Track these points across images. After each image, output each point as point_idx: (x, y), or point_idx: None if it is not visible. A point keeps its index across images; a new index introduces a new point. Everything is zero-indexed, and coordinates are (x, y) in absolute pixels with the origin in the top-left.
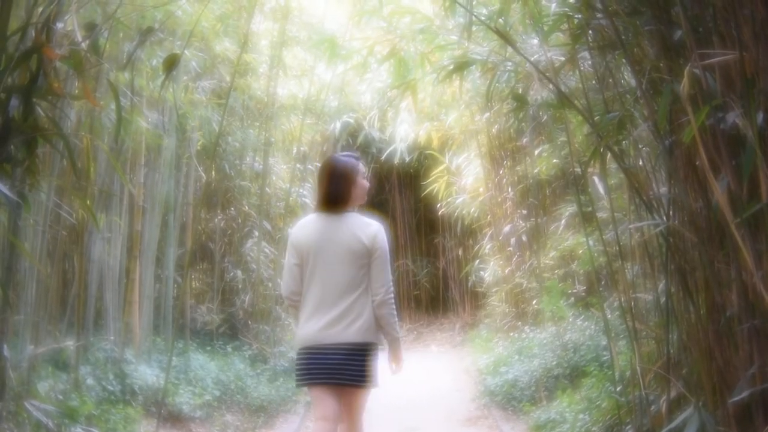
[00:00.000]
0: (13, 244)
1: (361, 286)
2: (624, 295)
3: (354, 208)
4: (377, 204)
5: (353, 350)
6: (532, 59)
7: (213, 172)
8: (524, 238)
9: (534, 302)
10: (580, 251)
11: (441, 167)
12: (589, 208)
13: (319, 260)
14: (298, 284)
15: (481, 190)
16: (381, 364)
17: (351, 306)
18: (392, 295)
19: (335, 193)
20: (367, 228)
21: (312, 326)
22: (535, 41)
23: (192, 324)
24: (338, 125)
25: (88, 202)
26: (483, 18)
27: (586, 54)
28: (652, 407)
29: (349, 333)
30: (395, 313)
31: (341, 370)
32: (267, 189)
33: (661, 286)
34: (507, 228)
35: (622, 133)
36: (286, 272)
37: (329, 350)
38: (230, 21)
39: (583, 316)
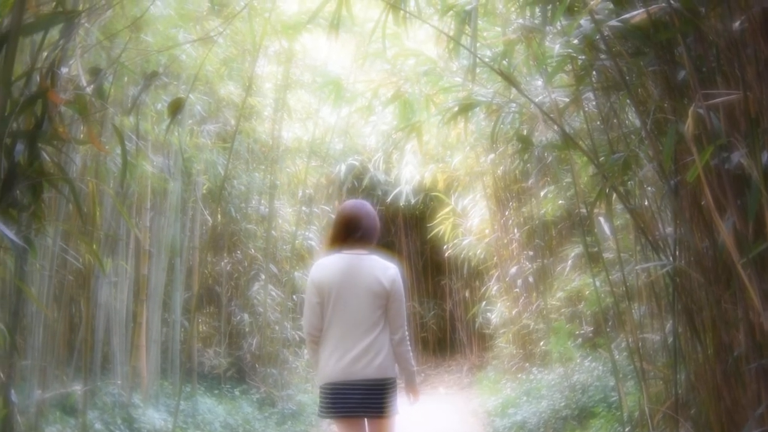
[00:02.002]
0: (20, 289)
1: (380, 324)
2: (631, 335)
3: (371, 249)
4: (384, 246)
5: (376, 385)
6: (536, 100)
7: (219, 216)
8: (531, 279)
9: (541, 343)
10: (587, 292)
11: (447, 209)
12: (596, 249)
13: (342, 300)
14: (320, 321)
15: (487, 231)
16: (399, 396)
17: (372, 344)
18: (407, 334)
19: (358, 235)
20: (387, 271)
21: (336, 363)
22: (540, 82)
23: (199, 368)
24: (343, 168)
25: (94, 246)
26: (487, 60)
27: (590, 95)
28: None
29: (371, 369)
30: (410, 349)
31: (365, 403)
32: (273, 232)
33: (669, 326)
34: (513, 269)
35: (628, 173)
36: (307, 310)
37: (353, 385)
38: (234, 64)
39: (590, 357)
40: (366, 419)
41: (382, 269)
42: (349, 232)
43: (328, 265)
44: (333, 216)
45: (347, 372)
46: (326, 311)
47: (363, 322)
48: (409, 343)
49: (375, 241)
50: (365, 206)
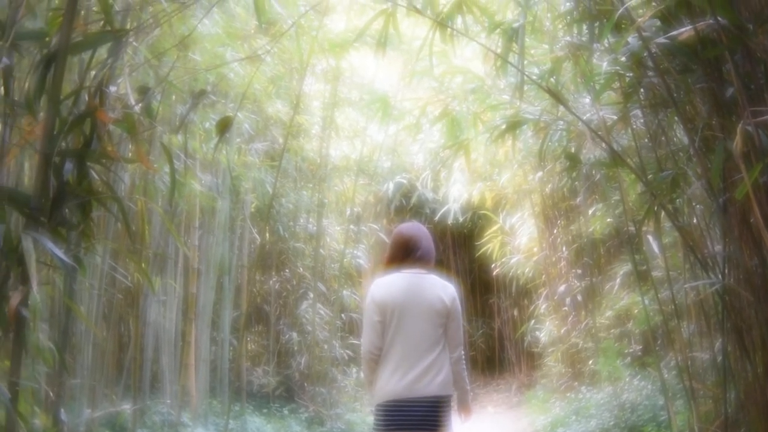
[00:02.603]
0: (69, 308)
1: (441, 342)
2: (680, 354)
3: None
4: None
5: (435, 402)
6: (584, 118)
7: (267, 234)
8: (579, 297)
9: (590, 362)
10: (636, 310)
11: (495, 227)
12: (644, 267)
13: (404, 318)
14: (381, 340)
15: (535, 249)
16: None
17: (434, 362)
18: (463, 352)
19: (417, 255)
20: (447, 289)
21: (397, 381)
22: (587, 100)
23: (248, 386)
24: (391, 186)
25: (143, 264)
26: (535, 77)
27: (638, 112)
28: None
29: (433, 387)
30: (465, 368)
31: (425, 420)
32: (321, 251)
33: (718, 344)
34: (562, 288)
35: (676, 191)
36: (368, 329)
37: (414, 403)
38: (282, 83)
39: (639, 376)
40: None
41: (443, 288)
42: (408, 252)
43: (390, 284)
44: (390, 236)
45: (410, 389)
46: (387, 330)
47: (425, 340)
48: (464, 361)
49: (433, 262)
50: (422, 227)
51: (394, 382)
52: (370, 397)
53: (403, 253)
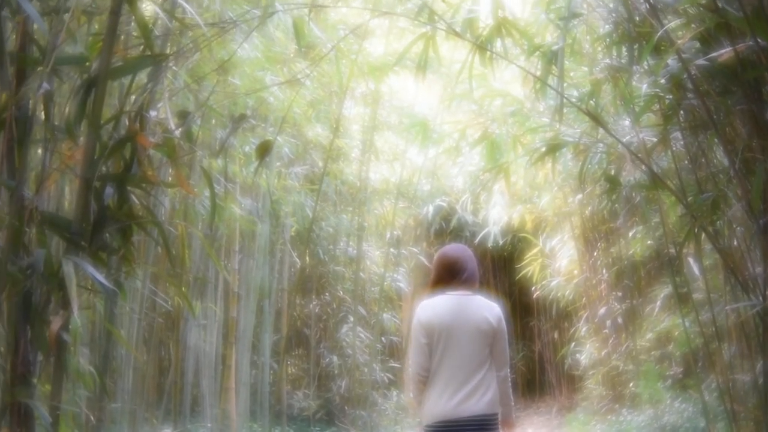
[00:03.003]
0: (110, 332)
1: (487, 362)
2: (722, 376)
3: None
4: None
5: (483, 421)
6: (624, 140)
7: (307, 258)
8: (620, 320)
9: (631, 384)
10: (677, 333)
11: (535, 250)
12: (685, 289)
13: (451, 339)
14: (428, 362)
15: (575, 272)
16: None
17: (481, 381)
18: (509, 371)
19: (463, 277)
20: (492, 310)
21: (446, 401)
22: (627, 122)
23: (288, 410)
24: (431, 209)
25: (183, 289)
26: (574, 100)
27: (678, 134)
28: None
29: (480, 405)
30: (510, 386)
31: None
32: (361, 274)
33: (759, 366)
34: (602, 310)
35: (716, 213)
36: (416, 351)
37: (463, 423)
38: (322, 106)
39: (680, 398)
40: None
41: (489, 308)
42: (454, 274)
43: (436, 305)
44: (433, 258)
45: (459, 409)
46: (435, 351)
47: (472, 361)
48: (509, 379)
49: (477, 283)
50: (467, 249)
51: (443, 402)
52: (419, 419)
53: (449, 275)
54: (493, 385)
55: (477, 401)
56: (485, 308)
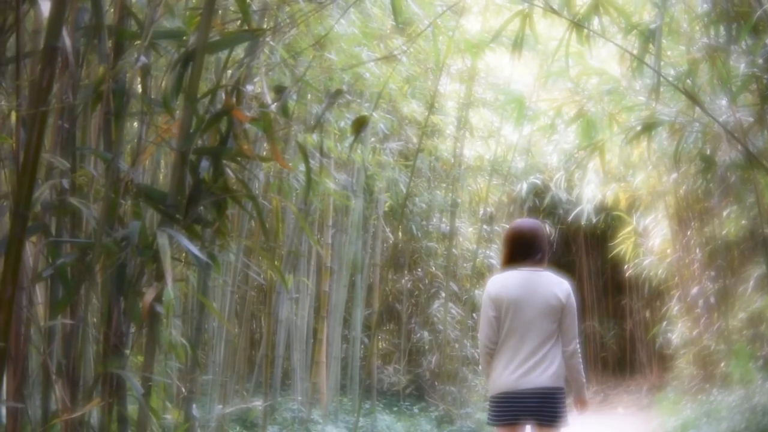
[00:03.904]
0: (203, 304)
1: (553, 337)
2: None
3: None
4: (564, 265)
5: (547, 394)
6: (720, 120)
7: (400, 233)
8: (712, 299)
9: (722, 365)
10: None
11: (628, 228)
12: None
13: (519, 313)
14: (496, 335)
15: (668, 251)
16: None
17: (546, 355)
18: (579, 347)
19: (535, 252)
20: (561, 285)
21: (511, 373)
22: (724, 102)
23: (378, 384)
24: (524, 186)
25: (276, 262)
26: (671, 79)
27: None
28: None
29: (543, 378)
30: (581, 361)
31: (537, 411)
32: (454, 250)
33: None
34: (695, 290)
35: None
36: (485, 323)
37: (527, 394)
38: (417, 83)
39: None
40: (534, 427)
41: (558, 284)
42: (528, 253)
43: (506, 280)
44: (508, 234)
45: (522, 381)
46: (503, 325)
47: (539, 335)
48: (580, 355)
49: (547, 259)
50: (539, 225)
51: (507, 374)
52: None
53: (523, 254)
54: (557, 359)
55: (540, 374)
56: (554, 284)
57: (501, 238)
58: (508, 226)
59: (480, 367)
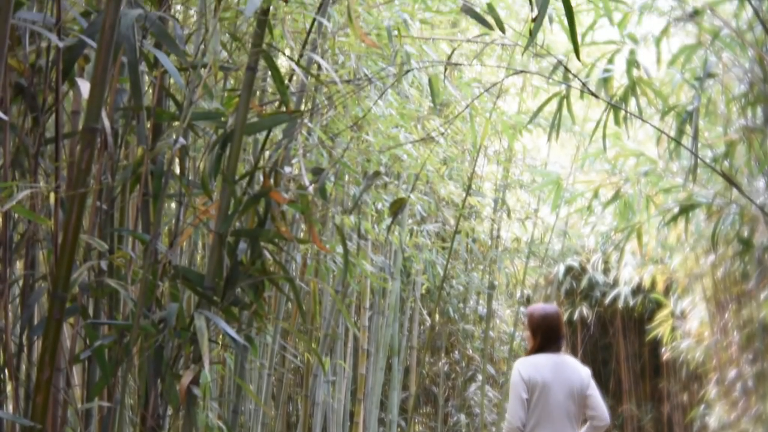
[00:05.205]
0: (240, 387)
1: (579, 417)
2: None
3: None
4: (601, 348)
5: None
6: (757, 202)
7: (437, 316)
8: (750, 383)
9: None
10: None
11: (665, 311)
12: None
13: (550, 396)
14: (526, 415)
15: (706, 334)
16: None
17: None
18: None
19: (561, 339)
20: (583, 369)
21: None
22: (761, 183)
23: None
24: (561, 268)
25: (313, 345)
26: (708, 160)
27: None
28: None
29: None
30: None
31: None
32: (491, 332)
33: None
34: (732, 373)
35: None
36: (517, 404)
37: None
38: (455, 164)
39: None
40: None
41: (579, 367)
42: (556, 337)
43: (537, 364)
44: (535, 319)
45: None
46: (534, 406)
47: (567, 416)
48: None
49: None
50: (558, 309)
51: None
52: None
53: (552, 339)
54: None
55: None
56: (579, 369)
57: (527, 322)
58: (531, 311)
59: None
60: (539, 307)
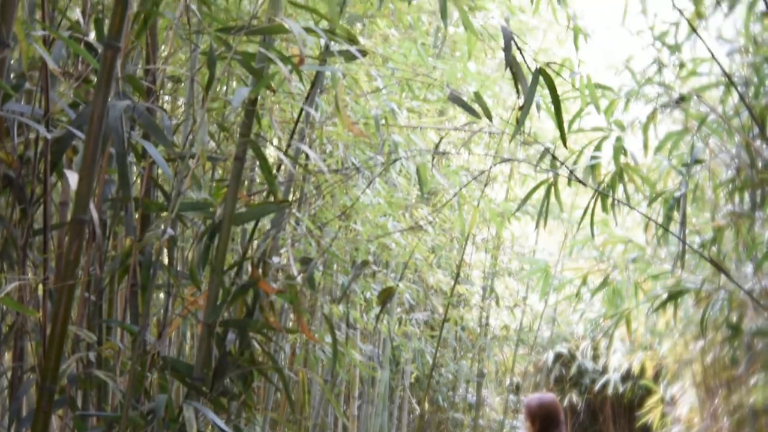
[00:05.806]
0: None
1: None
2: None
3: None
4: None
5: None
6: (746, 287)
7: (426, 404)
8: None
9: None
10: None
11: (655, 397)
12: None
13: None
14: None
15: (695, 420)
16: None
17: None
18: None
19: (557, 423)
20: None
21: None
22: (749, 269)
23: None
24: (551, 356)
25: None
26: (696, 246)
27: None
28: None
29: None
30: None
31: None
32: (480, 421)
33: None
34: None
35: None
36: None
37: None
38: (443, 252)
39: None
40: None
41: None
42: (556, 425)
43: None
44: (537, 408)
45: None
46: None
47: None
48: None
49: None
50: (556, 399)
51: None
52: None
53: (552, 427)
54: None
55: None
56: None
57: (525, 413)
58: (528, 401)
59: None
60: (536, 396)
